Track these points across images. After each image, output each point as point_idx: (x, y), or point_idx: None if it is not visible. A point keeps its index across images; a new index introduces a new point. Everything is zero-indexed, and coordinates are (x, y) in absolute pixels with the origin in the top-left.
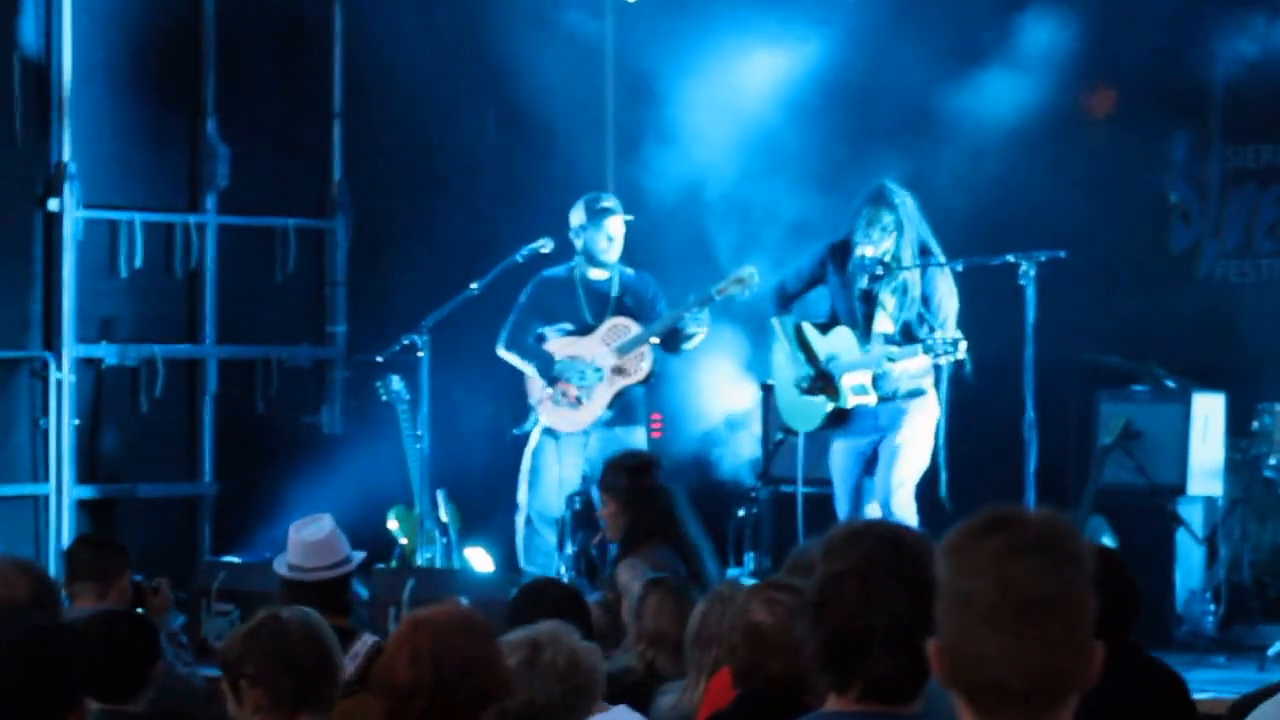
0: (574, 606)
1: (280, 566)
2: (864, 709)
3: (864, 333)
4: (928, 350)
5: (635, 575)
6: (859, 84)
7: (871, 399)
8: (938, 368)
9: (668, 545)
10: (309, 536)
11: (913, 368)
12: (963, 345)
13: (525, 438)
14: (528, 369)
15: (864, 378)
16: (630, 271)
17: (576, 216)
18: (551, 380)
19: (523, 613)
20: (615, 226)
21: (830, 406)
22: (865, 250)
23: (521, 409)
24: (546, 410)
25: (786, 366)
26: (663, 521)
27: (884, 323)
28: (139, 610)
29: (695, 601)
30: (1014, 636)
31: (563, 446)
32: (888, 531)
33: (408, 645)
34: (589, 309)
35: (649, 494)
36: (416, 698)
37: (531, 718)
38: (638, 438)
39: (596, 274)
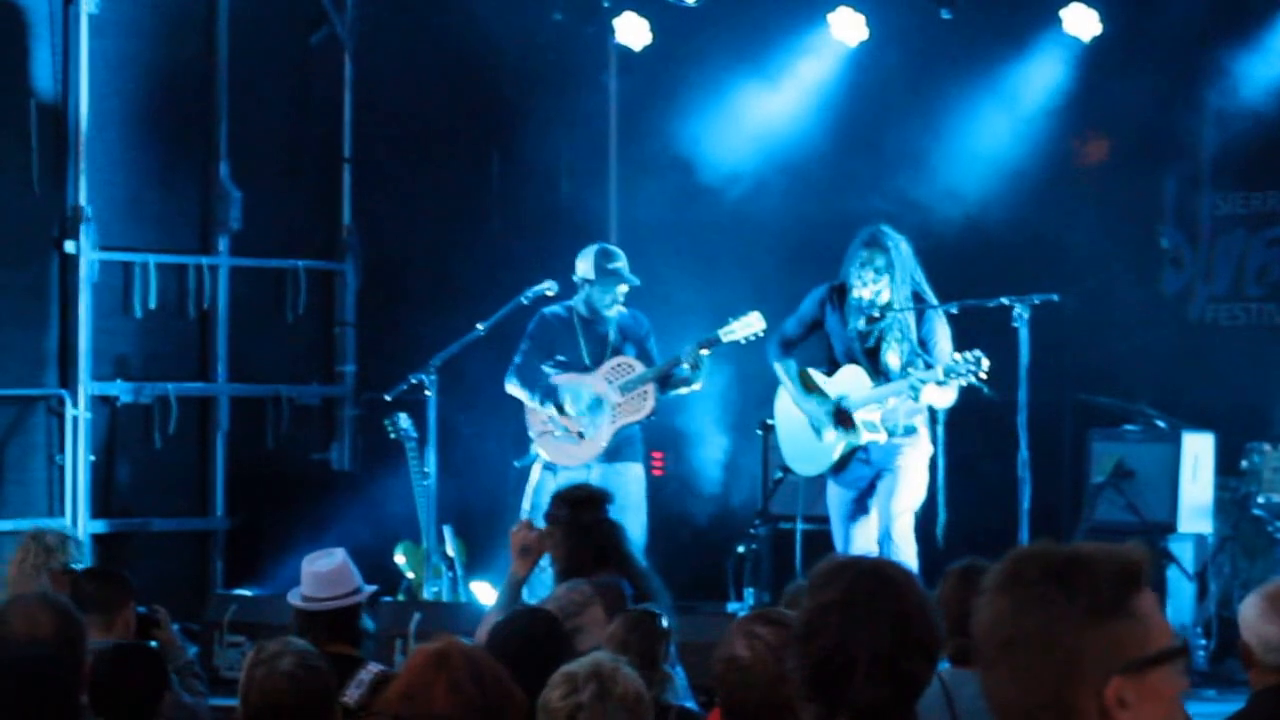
0: (559, 638)
1: (294, 598)
2: None
3: (870, 371)
4: (949, 372)
5: (572, 588)
6: (858, 127)
7: (881, 436)
8: (931, 408)
9: (611, 571)
10: (321, 568)
11: (934, 399)
12: (985, 362)
13: (529, 471)
14: (530, 401)
15: (874, 415)
16: (624, 311)
17: (584, 267)
18: (555, 405)
19: (507, 645)
20: (621, 290)
21: (842, 446)
22: (862, 293)
23: (525, 444)
24: (547, 445)
25: (792, 410)
26: (602, 553)
27: (893, 359)
28: (149, 642)
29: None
30: (989, 670)
31: (561, 481)
32: (871, 565)
33: (443, 674)
34: (587, 349)
35: (589, 527)
36: None
37: None
38: (636, 473)
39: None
